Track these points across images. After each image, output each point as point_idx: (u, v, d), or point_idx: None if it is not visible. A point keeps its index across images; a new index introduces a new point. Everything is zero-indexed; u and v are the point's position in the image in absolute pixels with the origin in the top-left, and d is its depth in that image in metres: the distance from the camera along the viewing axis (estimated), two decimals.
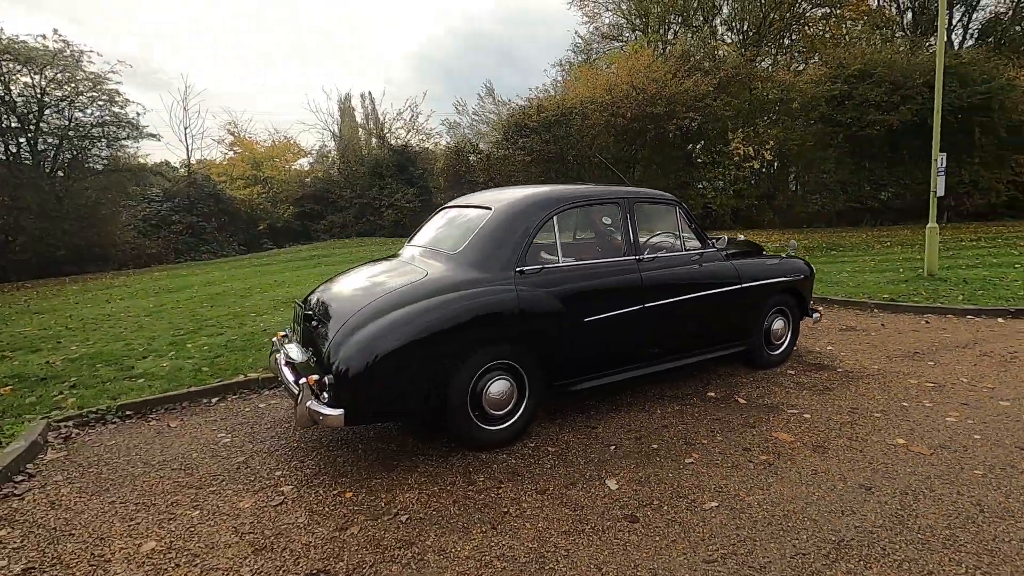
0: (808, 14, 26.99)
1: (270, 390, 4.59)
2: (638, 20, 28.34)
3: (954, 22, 27.35)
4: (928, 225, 8.49)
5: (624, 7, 28.52)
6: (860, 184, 19.05)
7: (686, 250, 4.14)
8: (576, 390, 3.59)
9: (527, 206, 3.56)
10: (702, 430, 3.56)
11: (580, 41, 29.43)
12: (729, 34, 26.31)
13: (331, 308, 3.33)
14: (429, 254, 3.76)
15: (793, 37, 27.86)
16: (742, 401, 4.02)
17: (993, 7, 26.14)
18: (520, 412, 3.37)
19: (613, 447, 3.36)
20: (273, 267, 13.83)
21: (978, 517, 2.54)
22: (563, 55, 40.50)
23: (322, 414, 2.87)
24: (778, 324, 4.67)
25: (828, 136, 18.84)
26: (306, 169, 23.70)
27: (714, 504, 2.72)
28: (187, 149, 21.03)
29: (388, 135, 21.96)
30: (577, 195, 3.80)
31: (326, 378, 2.92)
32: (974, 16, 26.68)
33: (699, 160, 19.22)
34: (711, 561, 2.30)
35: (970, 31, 26.83)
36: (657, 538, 2.47)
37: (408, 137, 21.85)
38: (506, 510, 2.72)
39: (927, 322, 6.22)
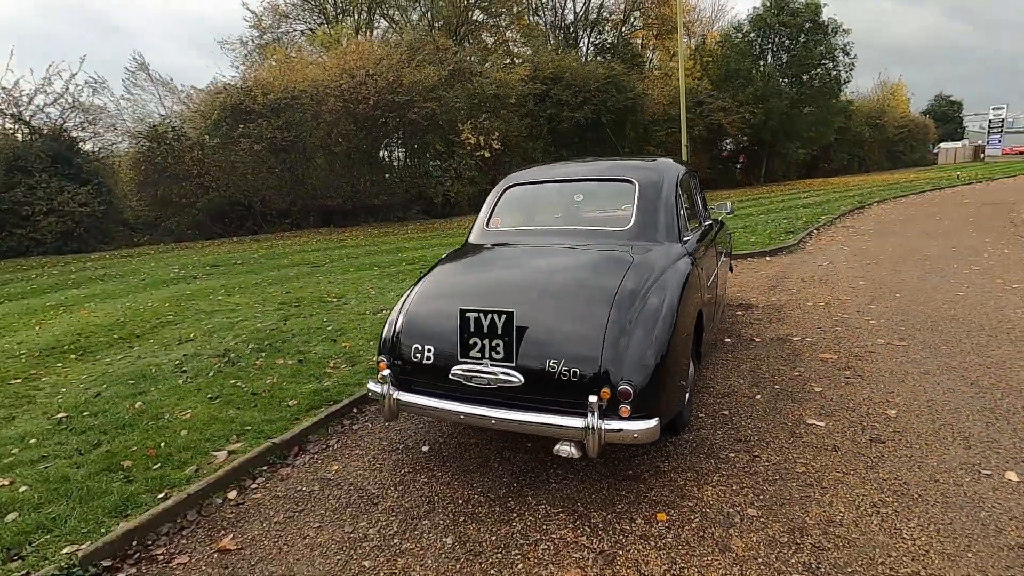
0: (485, 23, 30.43)
1: (288, 461, 3.20)
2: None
3: (580, 42, 34.88)
4: None
5: None
6: None
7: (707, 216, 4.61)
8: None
9: (664, 176, 3.43)
10: (778, 366, 4.13)
11: (251, 15, 26.23)
12: (428, 31, 27.49)
13: (561, 313, 2.64)
14: (580, 234, 3.33)
15: (470, 41, 30.99)
16: (758, 339, 4.77)
17: (607, 34, 34.21)
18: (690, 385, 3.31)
19: (757, 396, 3.63)
20: None
21: (984, 347, 3.79)
22: (242, 32, 35.71)
23: (635, 431, 2.32)
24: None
25: (536, 129, 21.93)
26: None
27: (893, 412, 3.30)
28: None
29: (28, 114, 15.62)
30: (679, 166, 3.83)
31: (623, 387, 2.35)
32: (594, 39, 34.50)
33: (439, 149, 19.88)
34: (972, 446, 2.87)
35: (592, 49, 34.55)
36: (922, 446, 2.90)
37: (66, 118, 15.96)
38: (800, 471, 2.74)
39: (736, 263, 8.24)
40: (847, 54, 28.09)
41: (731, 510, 2.47)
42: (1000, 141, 54.01)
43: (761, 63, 29.25)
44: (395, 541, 2.41)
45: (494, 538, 2.38)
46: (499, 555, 2.27)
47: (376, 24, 28.26)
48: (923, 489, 2.54)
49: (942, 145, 55.01)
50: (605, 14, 33.94)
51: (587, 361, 2.43)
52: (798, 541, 2.25)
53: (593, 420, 2.30)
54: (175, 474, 2.99)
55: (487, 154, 20.27)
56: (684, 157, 11.37)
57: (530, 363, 2.50)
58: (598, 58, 32.09)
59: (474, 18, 30.15)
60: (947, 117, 62.83)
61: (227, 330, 6.09)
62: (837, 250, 8.95)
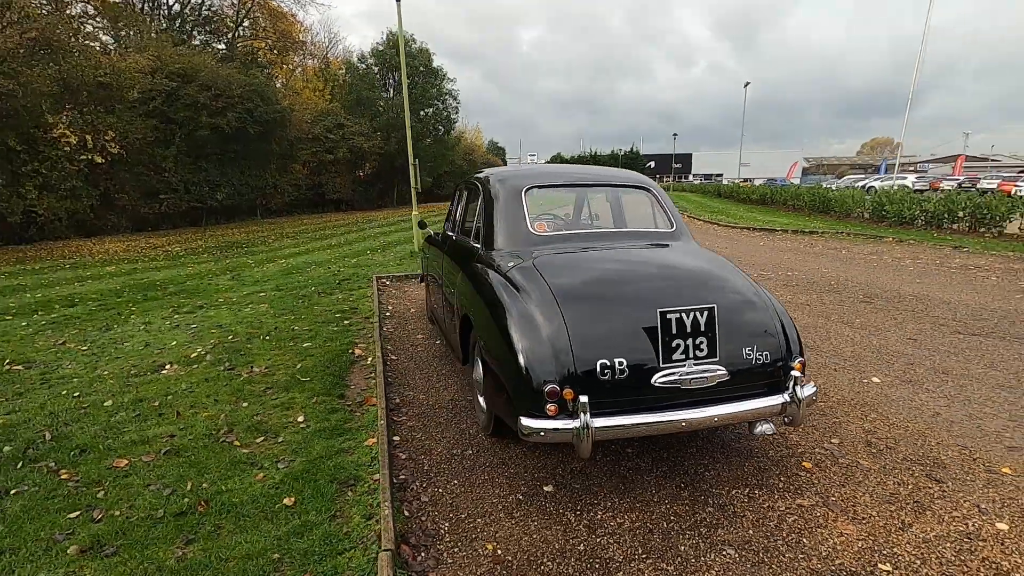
0: None
1: (419, 566, 2.24)
2: None
3: (192, 40, 30.17)
4: (412, 212, 11.22)
5: None
6: (200, 184, 19.43)
7: None
8: None
9: (657, 185, 3.77)
10: None
11: None
12: None
13: (734, 303, 2.70)
14: (641, 235, 3.45)
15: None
16: None
17: (220, 38, 30.58)
18: None
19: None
20: None
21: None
22: None
23: (813, 395, 2.69)
24: None
25: (167, 133, 17.99)
26: None
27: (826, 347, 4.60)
28: None
29: None
30: None
31: (800, 359, 2.68)
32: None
33: (14, 148, 13.94)
34: (891, 365, 4.34)
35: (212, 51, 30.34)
36: (868, 367, 4.20)
37: None
38: (836, 399, 3.62)
39: None
40: (454, 99, 33.31)
41: (830, 442, 3.13)
42: None
43: (385, 95, 31.63)
44: None
45: (750, 532, 2.37)
46: (779, 542, 2.29)
47: None
48: (910, 395, 3.71)
49: None
50: (207, 12, 30.27)
51: (773, 343, 2.66)
52: (897, 446, 3.07)
53: (800, 392, 2.58)
54: None
55: (99, 159, 15.59)
56: (412, 176, 11.56)
57: (730, 354, 2.56)
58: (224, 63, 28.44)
59: None
60: (498, 157, 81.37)
61: None
62: None
